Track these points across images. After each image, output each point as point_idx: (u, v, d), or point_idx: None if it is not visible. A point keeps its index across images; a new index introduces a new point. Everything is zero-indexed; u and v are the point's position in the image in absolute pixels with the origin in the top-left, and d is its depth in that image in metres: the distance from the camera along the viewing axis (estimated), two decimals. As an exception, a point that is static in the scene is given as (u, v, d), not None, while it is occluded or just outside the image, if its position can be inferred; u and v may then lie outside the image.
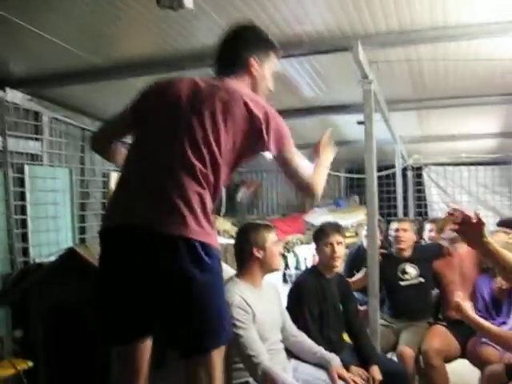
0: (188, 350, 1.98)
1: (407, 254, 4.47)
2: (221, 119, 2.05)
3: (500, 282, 3.93)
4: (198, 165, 1.98)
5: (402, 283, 4.34)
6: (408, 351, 3.92)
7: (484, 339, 3.88)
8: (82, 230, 5.54)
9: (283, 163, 2.25)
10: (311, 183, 2.29)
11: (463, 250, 4.34)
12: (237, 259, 3.15)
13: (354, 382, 3.03)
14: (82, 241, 5.37)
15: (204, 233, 1.94)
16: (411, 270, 4.37)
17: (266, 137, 2.13)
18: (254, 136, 2.12)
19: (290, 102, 5.56)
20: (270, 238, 3.07)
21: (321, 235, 3.66)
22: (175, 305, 1.92)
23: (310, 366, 3.18)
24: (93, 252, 3.64)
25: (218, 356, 2.01)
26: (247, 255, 3.04)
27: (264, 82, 2.35)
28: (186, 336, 1.95)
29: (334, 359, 3.10)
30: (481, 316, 4.00)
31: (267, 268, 3.07)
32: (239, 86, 2.20)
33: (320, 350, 3.18)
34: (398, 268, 4.38)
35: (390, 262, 4.43)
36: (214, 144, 2.02)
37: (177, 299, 1.91)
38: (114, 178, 5.81)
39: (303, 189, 2.33)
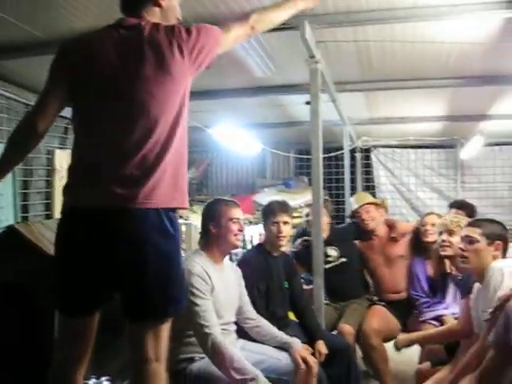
0: (144, 314, 1.98)
1: (323, 236, 4.43)
2: (161, 66, 2.00)
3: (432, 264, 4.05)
4: (154, 130, 1.95)
5: (327, 266, 4.35)
6: (347, 328, 4.00)
7: (422, 317, 3.99)
8: (25, 209, 5.40)
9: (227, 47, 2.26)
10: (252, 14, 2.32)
11: (382, 231, 4.44)
12: (201, 233, 3.23)
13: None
14: (25, 219, 5.23)
15: (168, 201, 1.96)
16: (332, 253, 4.40)
17: (204, 54, 2.12)
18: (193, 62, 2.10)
19: (239, 82, 5.53)
20: (227, 214, 3.08)
21: (268, 214, 3.68)
22: (140, 273, 1.92)
23: (256, 344, 3.20)
24: (35, 231, 3.55)
25: (168, 326, 2.03)
26: (206, 230, 3.11)
27: (173, 12, 2.22)
28: (144, 301, 1.95)
29: (296, 342, 3.14)
30: (417, 296, 4.11)
31: (224, 244, 3.09)
32: (154, 23, 2.09)
33: (281, 335, 3.21)
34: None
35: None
36: (164, 103, 1.98)
37: (141, 267, 1.91)
38: (59, 155, 5.67)
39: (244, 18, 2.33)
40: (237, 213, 3.13)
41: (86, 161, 2.01)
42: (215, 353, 2.71)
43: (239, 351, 3.03)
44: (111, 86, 1.99)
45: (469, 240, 2.79)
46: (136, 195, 1.90)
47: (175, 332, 2.83)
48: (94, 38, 2.08)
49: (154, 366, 1.96)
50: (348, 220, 5.39)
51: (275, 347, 3.17)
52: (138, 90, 1.96)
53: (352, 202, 4.80)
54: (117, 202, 1.90)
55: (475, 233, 2.77)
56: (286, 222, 3.63)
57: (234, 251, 4.97)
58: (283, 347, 3.13)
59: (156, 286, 1.93)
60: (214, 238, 3.09)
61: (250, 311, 3.27)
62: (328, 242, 4.40)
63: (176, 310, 2.03)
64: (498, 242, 2.76)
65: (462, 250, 2.81)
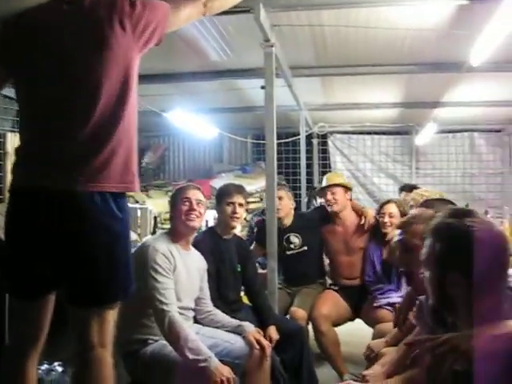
0: (89, 300, 1.92)
1: (287, 222, 4.44)
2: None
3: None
4: (96, 110, 1.87)
5: (288, 252, 4.38)
6: (299, 313, 4.03)
7: (376, 303, 4.04)
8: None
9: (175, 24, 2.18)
10: None
11: (347, 219, 4.42)
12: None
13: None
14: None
15: (115, 184, 1.90)
16: (295, 240, 4.40)
17: (151, 31, 2.02)
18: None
19: (195, 66, 5.49)
20: (180, 195, 3.10)
21: (223, 194, 3.65)
22: (83, 257, 1.87)
23: (210, 329, 3.19)
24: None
25: (114, 311, 1.98)
26: (170, 213, 3.16)
27: None
28: (89, 287, 1.90)
29: (248, 325, 3.14)
30: (370, 282, 4.17)
31: (179, 226, 3.08)
32: None
33: (232, 320, 3.22)
34: (282, 238, 4.35)
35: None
36: (106, 81, 1.89)
37: (85, 252, 1.87)
38: (11, 138, 5.54)
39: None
40: (188, 193, 3.10)
41: (31, 141, 1.94)
42: (171, 331, 2.70)
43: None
44: (52, 64, 1.90)
45: None
46: (81, 177, 1.84)
47: (131, 313, 2.78)
48: (36, 13, 1.95)
49: (100, 351, 1.91)
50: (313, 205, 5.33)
51: (229, 331, 3.17)
52: (78, 67, 1.89)
53: (323, 182, 4.69)
54: (61, 184, 1.84)
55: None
56: (240, 204, 3.61)
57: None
58: (236, 331, 3.13)
59: (100, 271, 1.88)
60: (173, 221, 3.13)
61: (208, 304, 3.26)
62: (291, 229, 4.40)
63: (123, 295, 1.98)
64: None
65: None
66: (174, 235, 3.08)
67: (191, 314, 3.12)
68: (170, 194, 7.75)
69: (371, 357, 2.92)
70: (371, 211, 4.41)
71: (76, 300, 1.93)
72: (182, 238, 3.10)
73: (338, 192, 4.36)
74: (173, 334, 2.70)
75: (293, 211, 4.52)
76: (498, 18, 3.31)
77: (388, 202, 4.23)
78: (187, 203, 3.05)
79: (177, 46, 4.72)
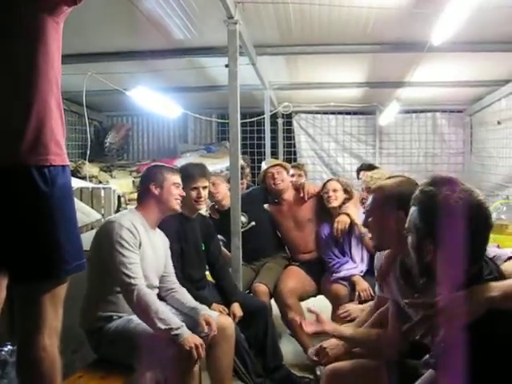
0: (18, 278, 1.84)
1: (227, 203, 4.32)
2: None
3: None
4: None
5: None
6: (261, 287, 4.06)
7: (334, 276, 4.10)
8: None
9: None
10: None
11: (289, 195, 4.50)
12: (137, 195, 3.21)
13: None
14: None
15: (46, 155, 1.81)
16: (242, 219, 4.43)
17: None
18: None
19: (158, 43, 5.42)
20: (171, 179, 3.07)
21: (187, 179, 3.63)
22: (13, 234, 1.79)
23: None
24: None
25: (63, 288, 1.91)
26: (145, 190, 3.06)
27: None
28: (19, 263, 1.82)
29: (203, 308, 3.11)
30: (329, 259, 4.21)
31: (164, 206, 3.06)
32: None
33: (190, 301, 3.17)
34: (229, 220, 4.38)
35: (222, 216, 4.41)
36: (9, 46, 1.77)
37: (14, 229, 1.79)
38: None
39: None
40: (179, 179, 3.14)
41: None
42: (140, 304, 2.69)
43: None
44: None
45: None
46: (26, 153, 1.76)
47: (95, 290, 2.84)
48: None
49: (45, 336, 1.83)
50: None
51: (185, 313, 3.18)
52: None
53: (262, 167, 4.79)
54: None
55: None
56: (204, 187, 3.63)
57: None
58: (190, 313, 3.12)
59: (20, 248, 1.79)
60: (153, 199, 3.05)
61: (172, 281, 3.24)
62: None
63: (50, 273, 1.85)
64: None
65: (368, 211, 2.88)
66: (148, 213, 3.05)
67: (156, 291, 3.12)
68: (134, 174, 7.80)
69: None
70: (312, 185, 4.51)
71: (12, 278, 1.86)
72: (154, 217, 3.08)
73: (282, 171, 4.49)
74: (142, 307, 2.70)
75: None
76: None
77: (331, 179, 4.38)
78: (179, 189, 3.09)
79: (140, 24, 4.66)
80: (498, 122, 7.18)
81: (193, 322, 2.94)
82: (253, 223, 4.43)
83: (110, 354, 2.82)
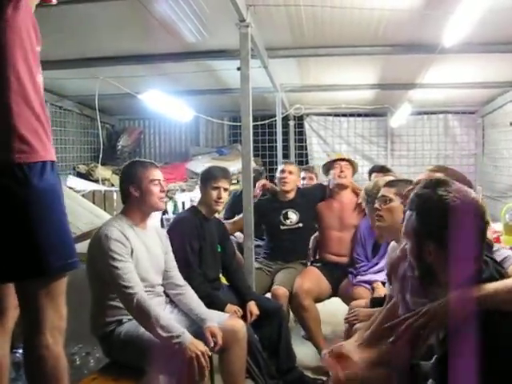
0: (21, 273, 1.82)
1: (290, 196, 4.53)
2: None
3: None
4: None
5: (282, 227, 4.44)
6: (281, 290, 4.06)
7: (356, 280, 4.09)
8: None
9: None
10: None
11: (346, 196, 4.47)
12: (121, 197, 3.10)
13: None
14: None
15: (26, 152, 1.80)
16: (293, 216, 4.47)
17: None
18: None
19: (170, 47, 5.46)
20: (147, 176, 2.98)
21: (209, 178, 3.66)
22: (4, 230, 1.79)
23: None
24: None
25: (59, 285, 1.89)
26: (127, 194, 3.00)
27: None
28: (18, 258, 1.81)
29: (210, 319, 3.03)
30: (359, 259, 4.20)
31: (146, 206, 3.00)
32: None
33: (197, 307, 3.12)
34: (281, 212, 4.46)
35: (274, 206, 4.51)
36: None
37: (5, 224, 1.78)
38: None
39: None
40: (157, 174, 3.04)
41: None
42: (140, 312, 2.68)
43: (165, 312, 3.05)
44: None
45: (384, 199, 2.89)
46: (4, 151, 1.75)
47: (101, 297, 2.83)
48: None
49: (47, 335, 1.84)
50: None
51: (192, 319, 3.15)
52: None
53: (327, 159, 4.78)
54: None
55: (390, 192, 2.88)
56: (226, 189, 3.65)
57: (166, 216, 4.97)
58: (197, 321, 3.08)
59: (12, 248, 1.79)
60: (135, 202, 2.98)
61: (177, 277, 3.21)
62: (291, 205, 4.46)
63: (35, 271, 1.83)
64: None
65: (377, 209, 2.90)
66: (134, 215, 2.99)
67: (160, 289, 3.10)
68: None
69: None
70: None
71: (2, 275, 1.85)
72: (141, 218, 3.03)
73: (348, 167, 4.47)
74: (142, 315, 2.69)
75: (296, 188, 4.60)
76: (470, -1, 3.35)
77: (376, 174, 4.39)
78: (158, 185, 3.00)
79: (152, 28, 4.69)
80: (510, 124, 7.14)
81: (199, 329, 2.92)
82: (300, 224, 4.46)
83: (122, 357, 2.83)
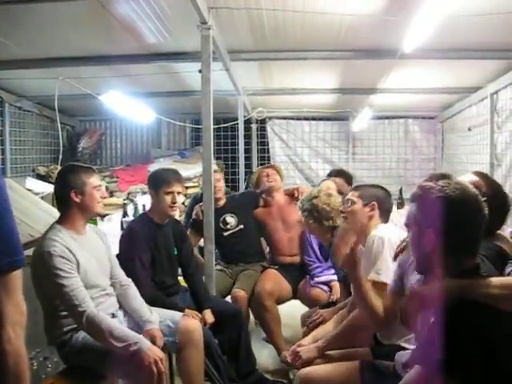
0: None
1: (221, 203, 4.56)
2: None
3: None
4: None
5: (225, 233, 4.47)
6: (241, 293, 4.08)
7: (313, 282, 4.13)
8: None
9: None
10: None
11: (281, 198, 4.57)
12: (57, 204, 3.00)
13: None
14: None
15: None
16: (231, 220, 4.50)
17: None
18: None
19: (131, 48, 5.40)
20: (90, 181, 2.94)
21: (161, 183, 3.60)
22: None
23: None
24: None
25: (12, 279, 1.73)
26: (66, 200, 2.90)
27: None
28: None
29: (152, 323, 3.00)
30: (310, 261, 4.25)
31: (87, 212, 2.96)
32: None
33: (140, 309, 3.08)
34: (218, 220, 4.45)
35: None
36: None
37: None
38: None
39: None
40: (98, 180, 3.02)
41: None
42: (92, 327, 2.65)
43: (122, 317, 3.02)
44: None
45: (348, 202, 2.98)
46: None
47: (49, 310, 2.78)
48: None
49: (8, 328, 1.73)
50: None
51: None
52: None
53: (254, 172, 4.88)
54: None
55: (354, 195, 3.04)
56: (179, 192, 3.61)
57: (125, 219, 4.93)
58: (140, 323, 3.02)
59: None
60: (76, 207, 2.90)
61: (120, 275, 3.17)
62: (226, 210, 4.47)
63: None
64: (373, 202, 2.96)
65: (342, 211, 3.02)
66: (73, 222, 2.91)
67: (111, 290, 3.07)
68: (107, 179, 7.75)
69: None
70: (306, 188, 4.56)
71: None
72: (83, 223, 2.98)
73: (274, 173, 4.68)
74: (95, 330, 2.66)
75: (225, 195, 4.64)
76: (429, 5, 3.39)
77: (324, 180, 4.52)
78: (100, 191, 2.98)
79: (112, 27, 4.65)
80: (469, 129, 7.27)
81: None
82: (241, 226, 4.49)
83: (80, 363, 2.79)
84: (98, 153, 9.33)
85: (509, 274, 1.98)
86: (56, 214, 3.98)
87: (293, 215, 4.45)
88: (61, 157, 6.32)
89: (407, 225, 1.95)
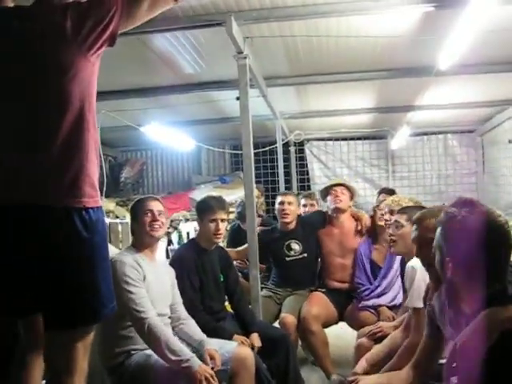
0: (51, 324, 1.81)
1: (291, 227, 4.53)
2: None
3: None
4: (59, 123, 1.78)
5: (288, 259, 4.44)
6: (289, 318, 4.06)
7: (361, 305, 4.10)
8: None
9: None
10: None
11: (345, 221, 4.48)
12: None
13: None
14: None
15: (81, 197, 1.81)
16: (296, 247, 4.46)
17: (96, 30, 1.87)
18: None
19: (169, 79, 5.54)
20: (142, 208, 3.07)
21: (205, 211, 3.66)
22: (45, 278, 1.76)
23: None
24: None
25: (86, 338, 1.89)
26: (132, 229, 3.18)
27: None
28: (52, 310, 1.79)
29: (208, 342, 3.09)
30: (359, 283, 4.21)
31: (143, 238, 3.07)
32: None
33: (198, 333, 3.17)
34: (283, 244, 4.45)
35: (275, 236, 4.50)
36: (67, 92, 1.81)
37: (46, 273, 1.76)
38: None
39: None
40: (150, 204, 3.10)
41: None
42: (151, 336, 2.74)
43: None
44: (10, 84, 1.83)
45: (396, 225, 2.96)
46: (53, 192, 1.77)
47: (109, 327, 2.82)
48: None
49: (75, 378, 1.84)
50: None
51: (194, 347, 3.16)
52: (39, 89, 1.80)
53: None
54: (31, 199, 1.76)
55: (402, 218, 2.96)
56: (223, 220, 3.66)
57: (171, 247, 4.99)
58: (198, 347, 3.08)
59: (63, 294, 1.77)
60: (136, 234, 3.13)
61: (181, 311, 3.26)
62: (293, 236, 4.46)
63: (91, 318, 1.87)
64: None
65: (391, 234, 2.99)
66: (139, 247, 3.08)
67: (167, 320, 3.13)
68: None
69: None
70: (369, 219, 4.45)
71: (46, 322, 1.82)
72: (147, 249, 3.10)
73: (344, 192, 4.46)
74: (153, 339, 2.74)
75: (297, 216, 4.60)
76: (463, 22, 3.42)
77: (382, 191, 4.37)
78: (150, 214, 3.05)
79: (151, 60, 4.79)
80: (509, 141, 7.19)
81: (200, 357, 2.92)
82: (304, 254, 4.45)
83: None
84: (140, 182, 9.51)
85: None
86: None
87: (352, 242, 4.39)
88: (105, 188, 6.45)
89: (434, 249, 1.94)
